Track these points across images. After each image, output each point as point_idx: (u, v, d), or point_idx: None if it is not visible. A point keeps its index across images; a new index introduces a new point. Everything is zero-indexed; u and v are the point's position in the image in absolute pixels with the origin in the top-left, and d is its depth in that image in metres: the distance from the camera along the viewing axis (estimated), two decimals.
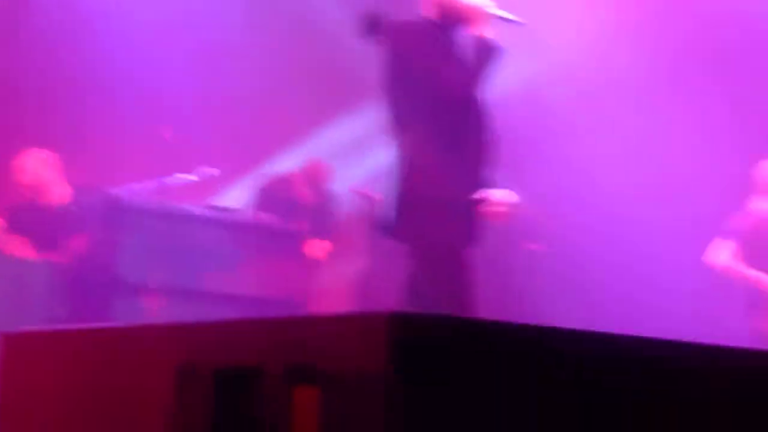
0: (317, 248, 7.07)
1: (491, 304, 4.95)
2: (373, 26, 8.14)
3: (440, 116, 4.68)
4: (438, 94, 4.67)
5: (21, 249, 6.57)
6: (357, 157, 8.02)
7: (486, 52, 4.68)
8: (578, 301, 7.21)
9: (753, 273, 6.41)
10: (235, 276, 6.45)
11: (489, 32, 4.66)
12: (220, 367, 2.74)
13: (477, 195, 4.64)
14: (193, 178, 6.78)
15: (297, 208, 7.19)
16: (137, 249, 6.22)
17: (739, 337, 6.19)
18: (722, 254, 6.48)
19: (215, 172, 6.88)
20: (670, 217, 7.41)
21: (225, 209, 6.79)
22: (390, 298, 6.06)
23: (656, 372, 2.65)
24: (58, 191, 6.76)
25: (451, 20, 4.74)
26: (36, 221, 6.62)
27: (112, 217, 6.31)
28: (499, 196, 4.72)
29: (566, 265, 7.26)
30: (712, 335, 5.82)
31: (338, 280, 7.29)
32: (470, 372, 2.33)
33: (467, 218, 4.64)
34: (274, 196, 7.24)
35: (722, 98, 7.40)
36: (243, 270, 6.50)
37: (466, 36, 4.73)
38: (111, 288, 6.17)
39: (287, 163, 7.86)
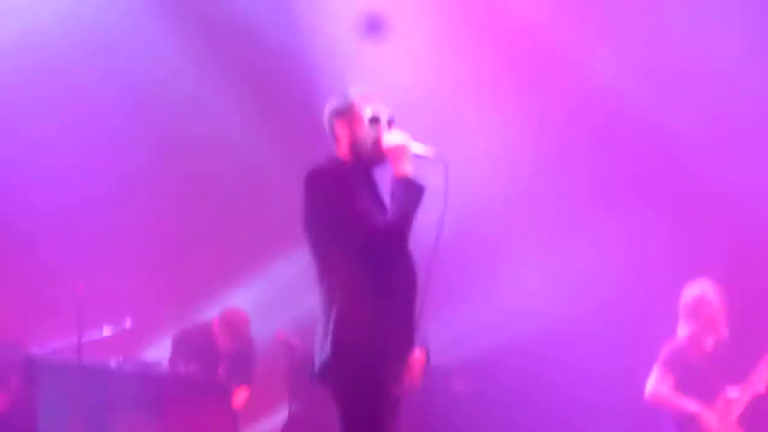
0: (237, 397, 7.09)
1: None
2: (374, 27, 8.47)
3: (364, 258, 4.64)
4: (365, 240, 4.64)
5: None
6: (280, 304, 8.14)
7: (409, 193, 4.68)
8: None
9: (683, 402, 6.60)
10: (154, 429, 6.49)
11: (408, 170, 4.67)
12: None
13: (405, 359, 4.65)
14: (107, 332, 6.84)
15: (216, 357, 7.24)
16: (56, 405, 6.29)
17: None
18: (653, 384, 6.67)
19: (128, 324, 6.93)
20: (601, 349, 7.56)
21: (143, 363, 6.85)
22: None
23: None
24: None
25: (368, 158, 4.76)
26: None
27: (31, 375, 6.38)
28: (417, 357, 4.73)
29: (493, 404, 7.38)
30: None
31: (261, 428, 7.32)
32: None
33: (397, 361, 4.63)
34: (192, 345, 7.28)
35: (654, 218, 7.68)
36: (163, 421, 6.53)
37: (387, 174, 4.73)
38: None
39: (207, 313, 7.97)
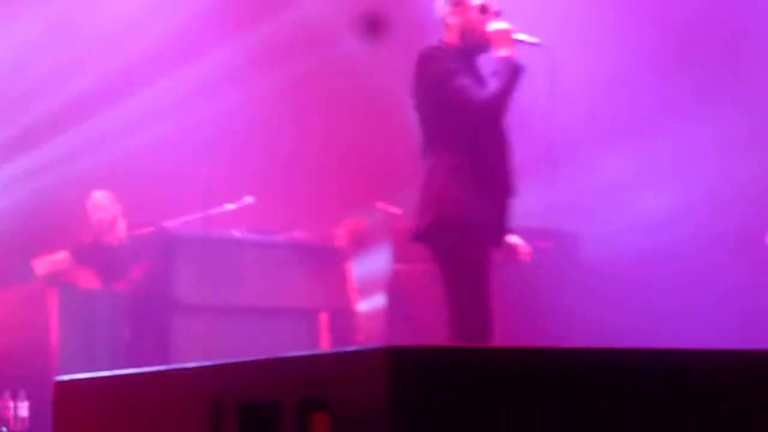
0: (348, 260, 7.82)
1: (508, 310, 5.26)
2: (373, 27, 8.66)
3: (468, 137, 4.90)
4: (465, 115, 4.87)
5: (87, 281, 7.37)
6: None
7: (509, 71, 4.85)
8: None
9: None
10: (277, 290, 7.12)
11: (511, 53, 4.86)
12: (245, 402, 3.00)
13: (504, 243, 4.99)
14: (231, 207, 7.53)
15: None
16: (189, 274, 6.88)
17: None
18: None
19: (251, 199, 7.64)
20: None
21: (263, 231, 7.51)
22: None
23: (659, 383, 2.62)
24: (120, 227, 7.62)
25: (474, 44, 5.00)
26: (101, 256, 7.44)
27: (166, 247, 6.99)
28: (519, 244, 5.11)
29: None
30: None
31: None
32: (467, 400, 2.41)
33: (491, 240, 4.91)
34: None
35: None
36: (284, 284, 7.18)
37: (490, 57, 4.94)
38: (168, 310, 6.85)
39: None
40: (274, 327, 7.08)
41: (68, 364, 6.78)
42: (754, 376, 2.71)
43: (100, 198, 7.90)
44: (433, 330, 5.73)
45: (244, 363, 3.09)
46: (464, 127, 4.85)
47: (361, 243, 8.06)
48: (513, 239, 5.14)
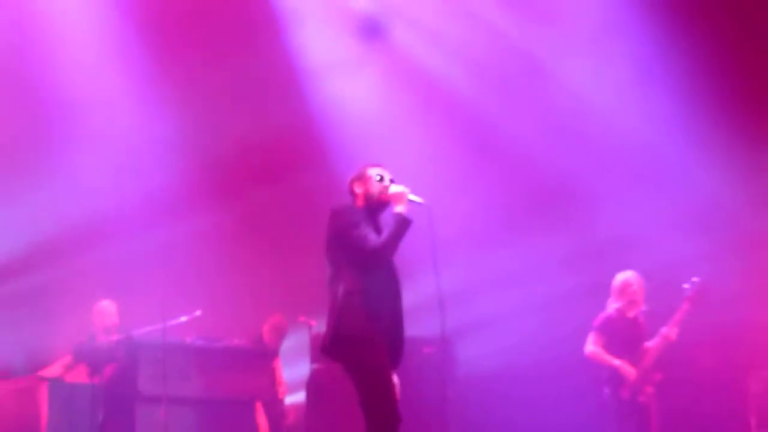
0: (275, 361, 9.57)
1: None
2: (373, 31, 9.94)
3: (364, 272, 5.87)
4: (362, 256, 5.85)
5: (79, 377, 8.95)
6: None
7: (399, 223, 5.94)
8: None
9: (609, 358, 8.19)
10: (220, 385, 8.84)
11: (404, 209, 5.98)
12: None
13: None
14: (184, 318, 9.09)
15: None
16: (149, 371, 8.58)
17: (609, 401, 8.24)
18: (589, 345, 8.30)
19: (199, 312, 9.15)
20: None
21: (208, 339, 9.16)
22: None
23: None
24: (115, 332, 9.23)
25: (376, 204, 6.09)
26: (93, 354, 8.92)
27: (131, 351, 8.71)
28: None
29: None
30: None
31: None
32: None
33: (388, 347, 5.87)
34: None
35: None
36: (225, 380, 8.86)
37: (389, 213, 6.02)
38: (133, 399, 8.59)
39: None
40: (219, 414, 8.79)
41: None
42: None
43: (107, 305, 9.35)
44: (348, 420, 6.88)
45: None
46: (361, 264, 5.89)
47: (282, 334, 9.72)
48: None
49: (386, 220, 6.11)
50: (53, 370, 9.08)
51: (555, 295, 9.48)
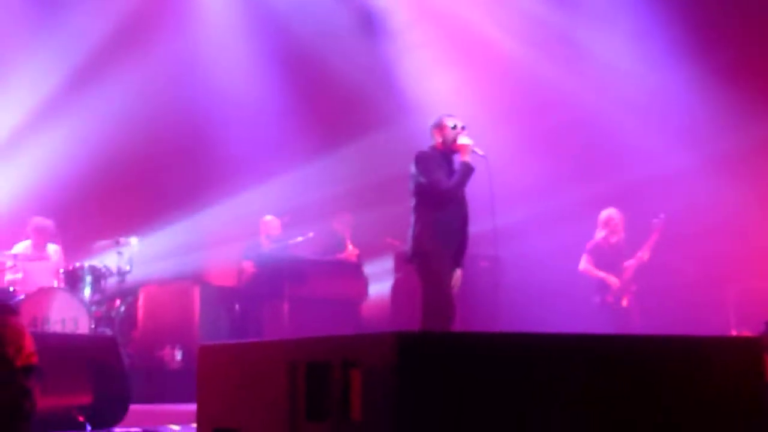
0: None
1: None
2: (369, 25, 11.51)
3: (436, 206, 7.04)
4: (435, 194, 7.01)
5: (224, 280, 11.40)
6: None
7: (465, 171, 7.03)
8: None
9: (598, 272, 10.16)
10: (324, 287, 11.18)
11: (468, 158, 7.07)
12: (310, 363, 4.17)
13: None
14: (300, 238, 11.51)
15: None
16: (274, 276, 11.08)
17: (598, 306, 10.02)
18: (582, 264, 10.31)
19: (311, 234, 11.56)
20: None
21: (318, 253, 11.61)
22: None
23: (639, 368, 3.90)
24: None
25: (450, 149, 7.18)
26: (259, 256, 11.24)
27: (263, 259, 11.15)
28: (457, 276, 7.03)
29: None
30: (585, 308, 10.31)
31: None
32: (442, 367, 3.64)
33: (451, 264, 7.09)
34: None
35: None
36: (328, 283, 11.20)
37: (457, 159, 7.13)
38: (263, 297, 11.01)
39: None
40: (327, 311, 11.04)
41: (204, 332, 10.77)
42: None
43: (273, 220, 11.57)
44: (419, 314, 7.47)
45: (309, 339, 4.35)
46: (434, 200, 7.13)
47: (347, 223, 11.90)
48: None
49: (459, 161, 7.16)
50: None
51: (584, 230, 11.22)
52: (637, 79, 11.88)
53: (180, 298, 11.20)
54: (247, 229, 11.68)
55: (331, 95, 12.92)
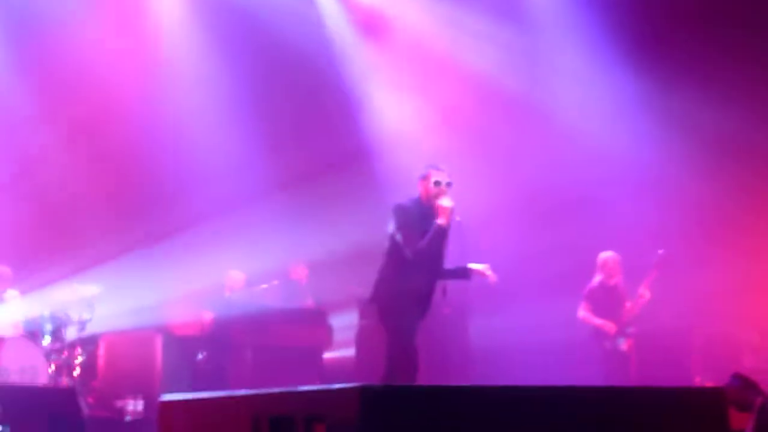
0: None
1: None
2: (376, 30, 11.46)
3: (403, 265, 7.09)
4: (410, 251, 7.04)
5: (186, 330, 11.35)
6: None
7: (437, 234, 7.08)
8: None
9: (594, 319, 10.18)
10: (287, 335, 11.14)
11: (444, 222, 7.11)
12: (273, 416, 4.19)
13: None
14: (265, 286, 11.64)
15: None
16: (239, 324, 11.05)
17: (595, 354, 10.08)
18: (580, 311, 10.33)
19: (276, 282, 11.77)
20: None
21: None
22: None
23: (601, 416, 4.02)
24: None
25: (431, 205, 7.18)
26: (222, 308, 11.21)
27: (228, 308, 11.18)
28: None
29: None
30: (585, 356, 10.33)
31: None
32: (404, 417, 3.72)
33: (418, 313, 7.17)
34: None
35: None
36: (292, 331, 11.17)
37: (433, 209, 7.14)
38: (227, 346, 11.02)
39: None
40: (290, 359, 11.04)
41: (166, 381, 10.71)
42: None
43: (238, 274, 11.75)
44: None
45: (272, 392, 4.37)
46: (401, 255, 7.18)
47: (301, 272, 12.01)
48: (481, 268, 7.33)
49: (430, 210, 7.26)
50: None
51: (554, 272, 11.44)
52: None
53: (141, 347, 11.19)
54: (211, 281, 11.79)
55: (297, 140, 13.07)
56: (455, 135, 12.21)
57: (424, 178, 7.31)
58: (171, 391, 8.51)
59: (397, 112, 12.59)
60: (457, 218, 7.27)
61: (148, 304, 11.61)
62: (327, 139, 12.73)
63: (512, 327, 11.37)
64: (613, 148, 11.97)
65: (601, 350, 10.23)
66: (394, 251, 7.22)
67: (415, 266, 7.16)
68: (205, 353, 11.29)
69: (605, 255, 10.47)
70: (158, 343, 11.13)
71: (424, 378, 7.42)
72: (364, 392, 3.77)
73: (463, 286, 8.65)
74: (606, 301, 10.32)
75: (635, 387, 6.62)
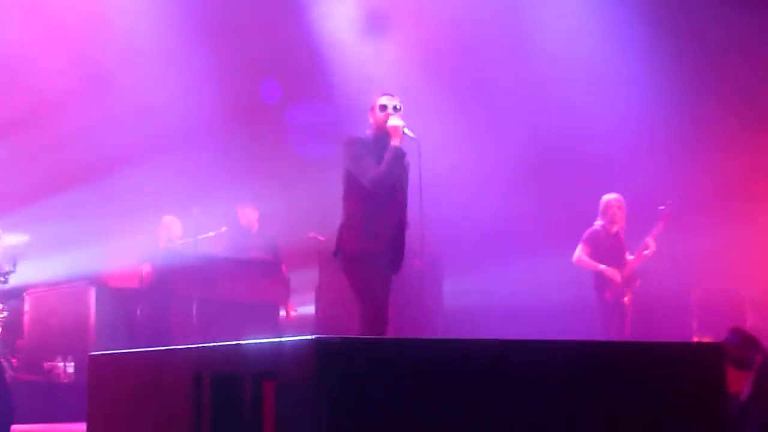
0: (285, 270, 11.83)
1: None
2: (377, 26, 11.63)
3: (363, 197, 7.07)
4: (362, 184, 7.02)
5: (123, 282, 11.30)
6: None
7: (394, 156, 7.09)
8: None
9: (594, 263, 10.12)
10: (238, 289, 11.11)
11: (398, 142, 7.13)
12: (216, 372, 4.18)
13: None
14: (212, 233, 11.50)
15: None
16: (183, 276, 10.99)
17: (596, 303, 10.09)
18: (577, 253, 10.25)
19: (225, 228, 11.58)
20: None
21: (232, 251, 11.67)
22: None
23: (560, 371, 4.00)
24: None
25: (383, 134, 7.17)
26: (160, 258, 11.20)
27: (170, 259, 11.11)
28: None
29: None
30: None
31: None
32: (368, 379, 3.68)
33: (390, 264, 7.19)
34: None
35: None
36: (243, 284, 11.13)
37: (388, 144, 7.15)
38: (169, 301, 11.00)
39: None
40: (241, 315, 10.86)
41: (101, 341, 10.55)
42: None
43: (173, 220, 11.64)
44: (350, 321, 7.81)
45: (215, 346, 4.36)
46: (361, 190, 7.14)
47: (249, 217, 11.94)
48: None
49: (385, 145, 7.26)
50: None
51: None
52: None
53: (72, 303, 11.13)
54: (149, 228, 11.80)
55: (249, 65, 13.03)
56: (435, 78, 12.29)
57: (371, 107, 7.37)
58: (106, 350, 8.65)
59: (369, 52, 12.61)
60: (412, 134, 7.27)
61: (79, 254, 11.58)
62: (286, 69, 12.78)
63: (495, 287, 11.52)
64: (612, 95, 12.11)
65: (600, 302, 10.24)
66: (353, 188, 7.24)
67: (378, 200, 7.16)
68: (144, 309, 11.27)
69: (608, 197, 10.40)
70: (91, 296, 11.03)
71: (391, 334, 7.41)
72: (319, 345, 3.72)
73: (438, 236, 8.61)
74: (607, 248, 10.32)
75: (625, 342, 6.77)
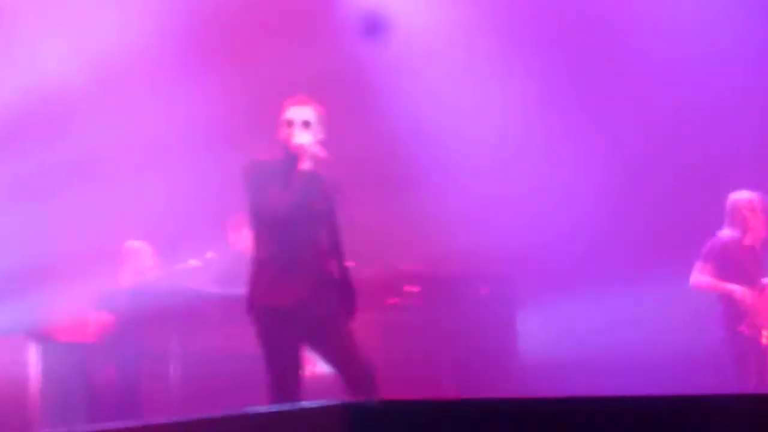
0: None
1: None
2: (373, 27, 11.45)
3: (267, 236, 7.07)
4: (269, 214, 7.00)
5: (76, 335, 10.36)
6: None
7: (304, 179, 6.95)
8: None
9: (720, 284, 9.37)
10: (233, 336, 9.79)
11: (305, 165, 6.97)
12: None
13: None
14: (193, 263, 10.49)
15: None
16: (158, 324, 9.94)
17: (725, 341, 9.47)
18: (696, 276, 9.52)
19: (210, 255, 10.53)
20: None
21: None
22: None
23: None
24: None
25: (292, 155, 7.01)
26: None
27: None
28: None
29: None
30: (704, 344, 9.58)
31: None
32: None
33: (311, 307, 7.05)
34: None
35: None
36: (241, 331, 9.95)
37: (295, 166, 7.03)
38: (139, 356, 9.97)
39: None
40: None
41: (48, 412, 9.88)
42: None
43: (141, 246, 10.86)
44: None
45: (211, 418, 4.20)
46: (264, 230, 7.17)
47: None
48: None
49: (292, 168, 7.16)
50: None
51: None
52: None
53: (6, 364, 10.36)
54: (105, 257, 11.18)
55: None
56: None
57: (280, 123, 7.20)
58: (56, 425, 8.73)
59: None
60: (323, 155, 7.11)
61: (13, 298, 10.93)
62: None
63: (584, 320, 10.95)
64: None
65: (732, 338, 9.47)
66: (255, 229, 7.28)
67: (286, 240, 7.07)
68: (104, 369, 10.40)
69: (738, 197, 9.65)
70: (31, 355, 10.33)
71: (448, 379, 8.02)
72: (351, 411, 3.57)
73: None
74: (738, 265, 9.52)
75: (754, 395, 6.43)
